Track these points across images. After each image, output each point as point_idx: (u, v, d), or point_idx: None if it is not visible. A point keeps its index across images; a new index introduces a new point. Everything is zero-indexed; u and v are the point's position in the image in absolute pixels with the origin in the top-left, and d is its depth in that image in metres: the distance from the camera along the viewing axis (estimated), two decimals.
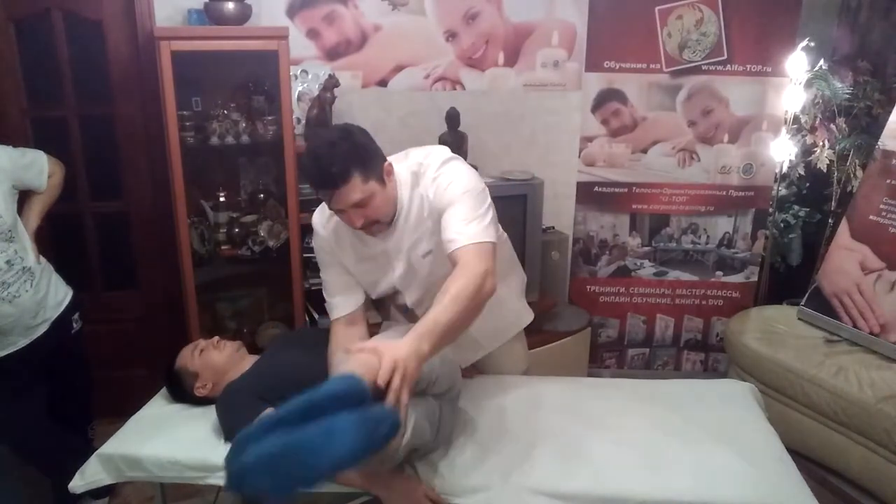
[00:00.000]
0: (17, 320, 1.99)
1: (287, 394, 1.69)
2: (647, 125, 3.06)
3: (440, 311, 1.41)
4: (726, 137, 3.05)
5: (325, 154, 1.53)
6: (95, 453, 1.72)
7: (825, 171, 3.03)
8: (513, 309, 2.02)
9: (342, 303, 1.79)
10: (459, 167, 1.67)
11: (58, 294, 2.14)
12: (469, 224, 1.56)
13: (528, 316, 2.08)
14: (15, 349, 2.02)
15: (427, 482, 1.58)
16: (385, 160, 1.63)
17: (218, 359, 1.87)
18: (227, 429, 1.70)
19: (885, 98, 2.97)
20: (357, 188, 1.54)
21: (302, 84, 2.77)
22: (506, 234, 1.93)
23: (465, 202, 1.59)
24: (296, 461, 1.15)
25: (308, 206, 2.68)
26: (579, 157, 3.10)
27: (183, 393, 1.89)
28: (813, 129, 3.04)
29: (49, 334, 2.09)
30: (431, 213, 1.65)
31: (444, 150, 1.72)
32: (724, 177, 3.09)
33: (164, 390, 1.96)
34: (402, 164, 1.70)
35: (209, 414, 1.79)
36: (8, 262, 1.94)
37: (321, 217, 1.79)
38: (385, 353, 1.29)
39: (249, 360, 1.91)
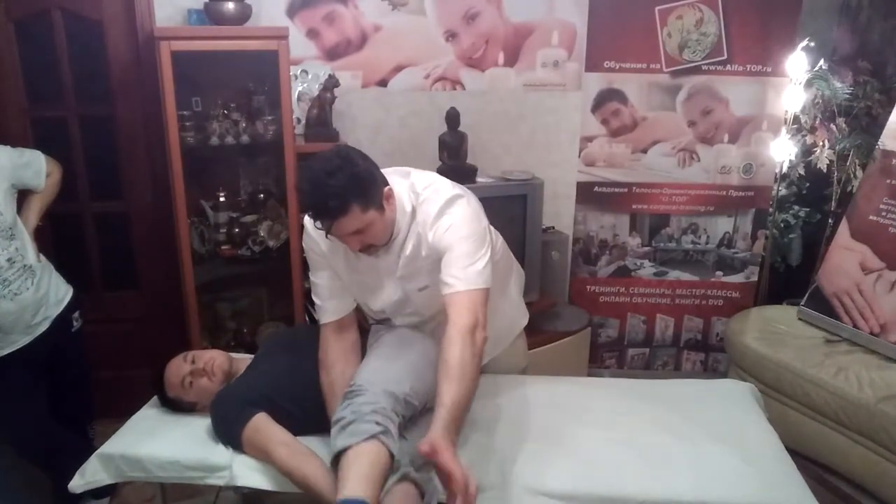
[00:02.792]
0: (19, 318, 1.99)
1: (278, 398, 1.71)
2: (647, 125, 3.05)
3: (456, 392, 1.44)
4: (726, 137, 3.04)
5: (323, 185, 1.47)
6: (95, 453, 1.72)
7: (825, 171, 3.03)
8: (511, 313, 2.02)
9: (333, 307, 1.76)
10: (461, 209, 1.63)
11: (58, 292, 2.15)
12: (465, 269, 1.56)
13: (524, 318, 2.07)
14: (16, 348, 2.02)
15: (427, 481, 1.58)
16: (386, 185, 1.59)
17: (212, 387, 1.82)
18: (223, 432, 1.70)
19: (885, 98, 2.97)
20: (356, 219, 1.51)
21: (302, 84, 2.77)
22: (502, 240, 1.91)
23: (463, 247, 1.58)
24: None
25: None
26: (579, 157, 3.10)
27: (183, 411, 1.87)
28: (813, 129, 3.04)
29: (50, 333, 2.09)
30: (430, 253, 1.63)
31: (448, 186, 1.68)
32: (724, 177, 3.09)
33: None
34: (401, 185, 1.66)
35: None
36: (9, 259, 1.94)
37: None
38: (460, 480, 1.31)
39: (243, 363, 1.90)
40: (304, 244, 1.78)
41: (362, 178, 1.52)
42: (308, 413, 1.70)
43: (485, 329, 1.54)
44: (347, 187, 1.48)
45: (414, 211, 1.64)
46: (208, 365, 1.84)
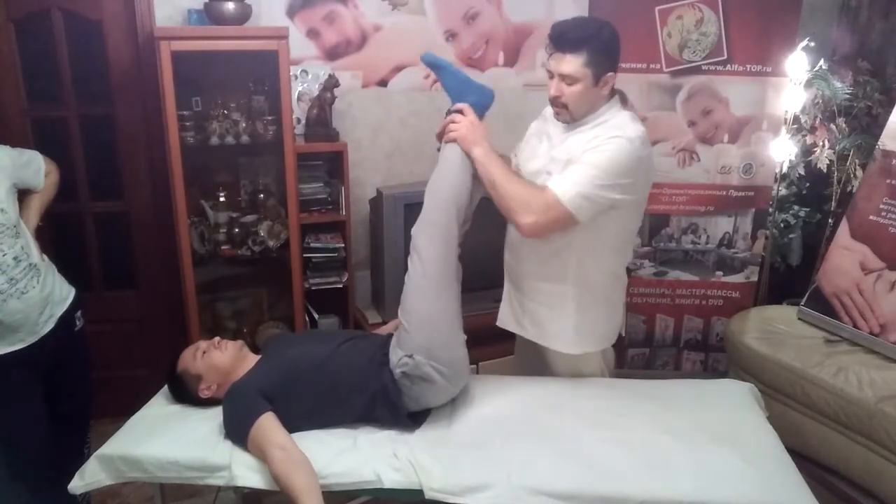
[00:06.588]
0: (27, 317, 1.99)
1: (294, 386, 1.72)
2: (648, 125, 3.00)
3: (504, 170, 1.76)
4: (726, 137, 3.04)
5: (579, 22, 1.72)
6: (95, 454, 1.72)
7: (825, 171, 3.03)
8: (576, 311, 1.90)
9: None
10: (618, 148, 1.70)
11: (62, 291, 2.15)
12: (574, 184, 1.68)
13: (579, 342, 1.93)
14: (24, 345, 2.02)
15: (427, 481, 1.58)
16: (613, 74, 1.74)
17: (221, 360, 1.85)
18: (231, 427, 1.70)
19: (885, 98, 2.97)
20: (575, 64, 1.68)
21: (302, 84, 2.77)
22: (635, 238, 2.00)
23: (588, 170, 1.68)
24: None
25: (308, 207, 2.69)
26: None
27: (187, 395, 1.88)
28: (813, 129, 3.04)
29: (55, 332, 2.09)
30: (578, 155, 1.73)
31: (638, 129, 1.77)
32: (724, 177, 3.09)
33: (164, 390, 1.96)
34: (618, 107, 1.82)
35: (209, 414, 1.80)
36: (15, 258, 1.94)
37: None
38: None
39: (253, 359, 1.91)
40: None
41: (607, 46, 1.70)
42: (321, 399, 1.73)
43: (535, 228, 1.71)
44: (591, 38, 1.67)
45: (607, 121, 1.77)
46: (222, 343, 1.90)
